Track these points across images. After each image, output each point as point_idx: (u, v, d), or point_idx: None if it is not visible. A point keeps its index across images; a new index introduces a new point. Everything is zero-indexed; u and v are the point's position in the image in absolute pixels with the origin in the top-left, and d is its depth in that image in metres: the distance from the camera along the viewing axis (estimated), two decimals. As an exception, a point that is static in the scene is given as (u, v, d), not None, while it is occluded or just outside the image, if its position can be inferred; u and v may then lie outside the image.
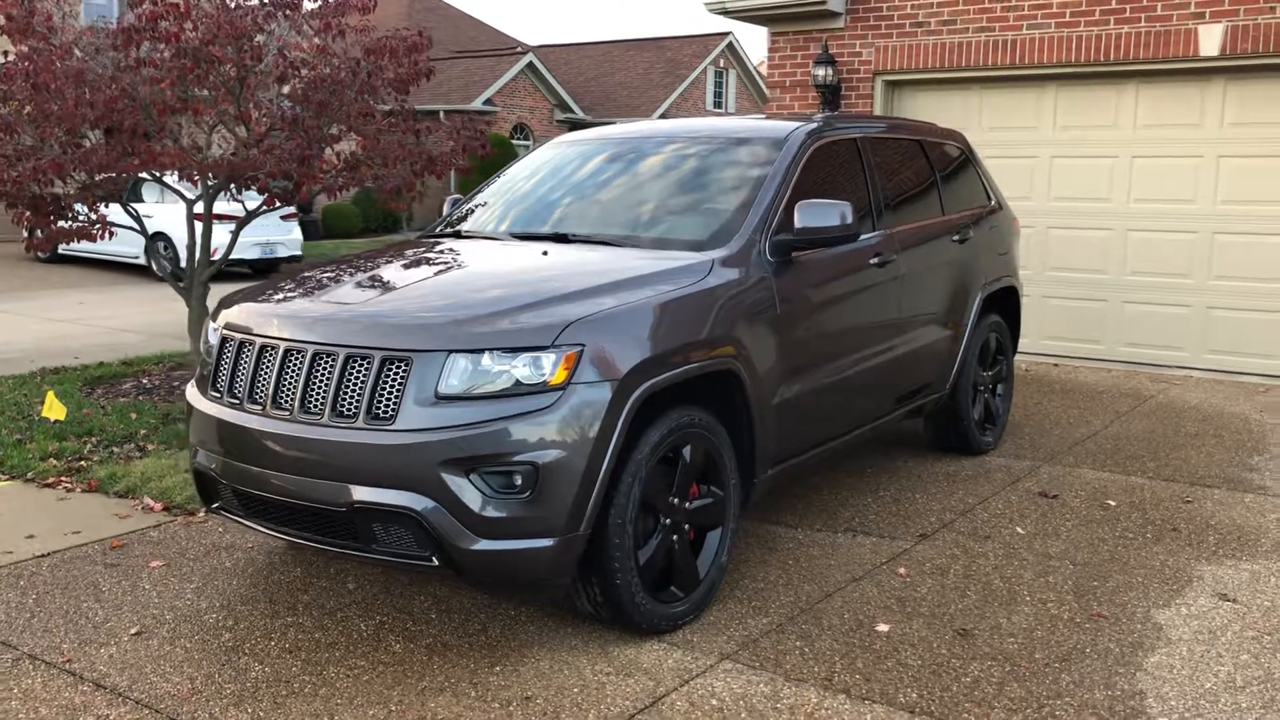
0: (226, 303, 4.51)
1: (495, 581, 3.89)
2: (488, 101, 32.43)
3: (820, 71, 10.36)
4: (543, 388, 3.65)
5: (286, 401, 3.89)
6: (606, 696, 3.62)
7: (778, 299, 4.60)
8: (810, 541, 5.10)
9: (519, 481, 3.63)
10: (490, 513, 3.62)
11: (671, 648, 3.99)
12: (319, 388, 3.83)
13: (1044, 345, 9.89)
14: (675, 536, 4.11)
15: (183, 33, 7.09)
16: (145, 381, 8.77)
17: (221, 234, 9.67)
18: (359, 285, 4.32)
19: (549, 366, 3.66)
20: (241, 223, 8.36)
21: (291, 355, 3.92)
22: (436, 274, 4.33)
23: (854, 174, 5.45)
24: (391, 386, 3.71)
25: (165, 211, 16.08)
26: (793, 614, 4.28)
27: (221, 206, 9.24)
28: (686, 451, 4.10)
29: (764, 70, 39.78)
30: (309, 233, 22.43)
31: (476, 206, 5.56)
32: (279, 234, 18.13)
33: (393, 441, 3.65)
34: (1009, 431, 7.07)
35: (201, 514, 5.52)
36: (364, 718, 3.50)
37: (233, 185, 7.88)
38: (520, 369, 3.67)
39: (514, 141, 32.09)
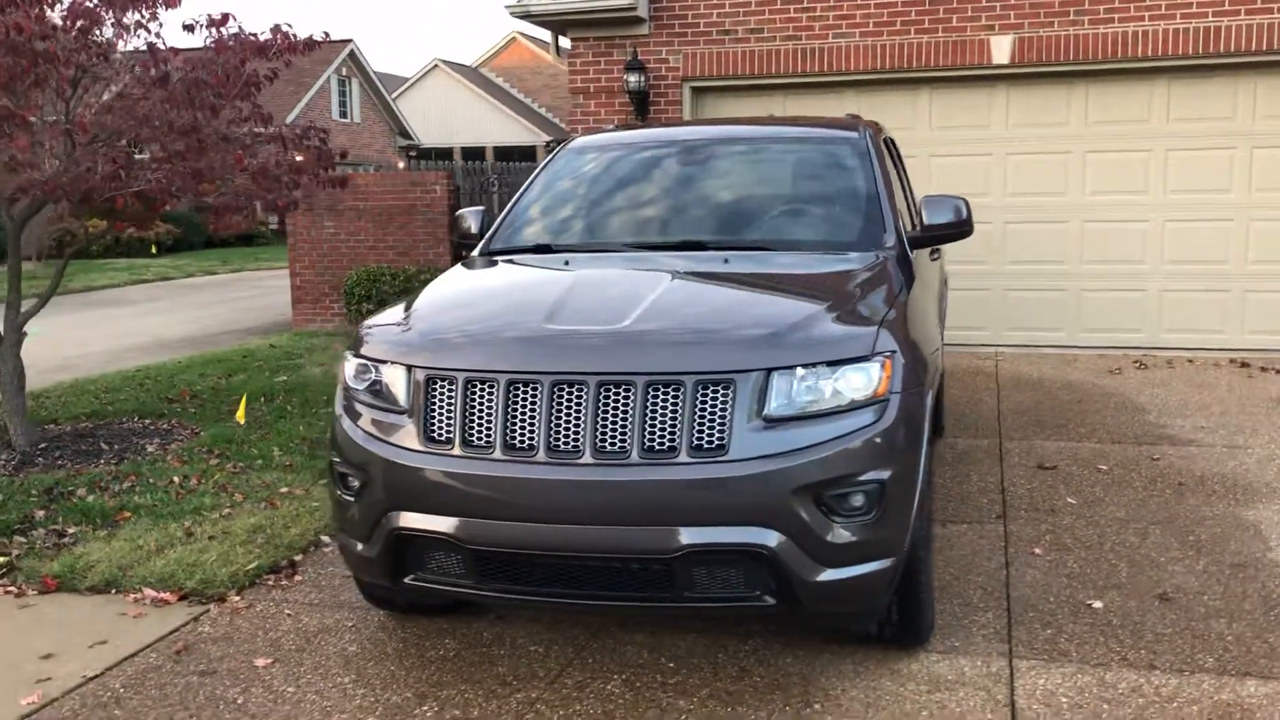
0: (383, 336, 3.81)
1: (828, 614, 3.59)
2: (96, 113, 29.07)
3: (632, 78, 10.36)
4: (871, 401, 3.44)
5: (565, 444, 3.36)
6: (965, 714, 3.48)
7: (923, 296, 4.62)
8: (913, 535, 5.15)
9: (860, 502, 3.39)
10: (839, 539, 3.36)
11: (944, 656, 3.90)
12: (614, 424, 3.34)
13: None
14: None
15: (36, 21, 5.79)
16: (-73, 454, 7.10)
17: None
18: (571, 306, 3.77)
19: (875, 377, 3.45)
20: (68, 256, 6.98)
21: (563, 389, 3.39)
22: (658, 290, 3.85)
23: (896, 171, 5.57)
24: (714, 413, 3.32)
25: None
26: (1003, 603, 4.33)
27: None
28: (920, 457, 4.02)
29: (380, 80, 37.98)
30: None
31: (526, 222, 5.03)
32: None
33: (733, 474, 3.28)
34: (933, 414, 7.49)
35: (235, 598, 4.62)
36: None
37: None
38: (844, 383, 3.43)
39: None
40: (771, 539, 3.28)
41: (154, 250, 25.66)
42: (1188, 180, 9.77)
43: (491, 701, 3.68)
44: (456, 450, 3.47)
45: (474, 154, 39.96)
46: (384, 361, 3.73)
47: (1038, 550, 4.92)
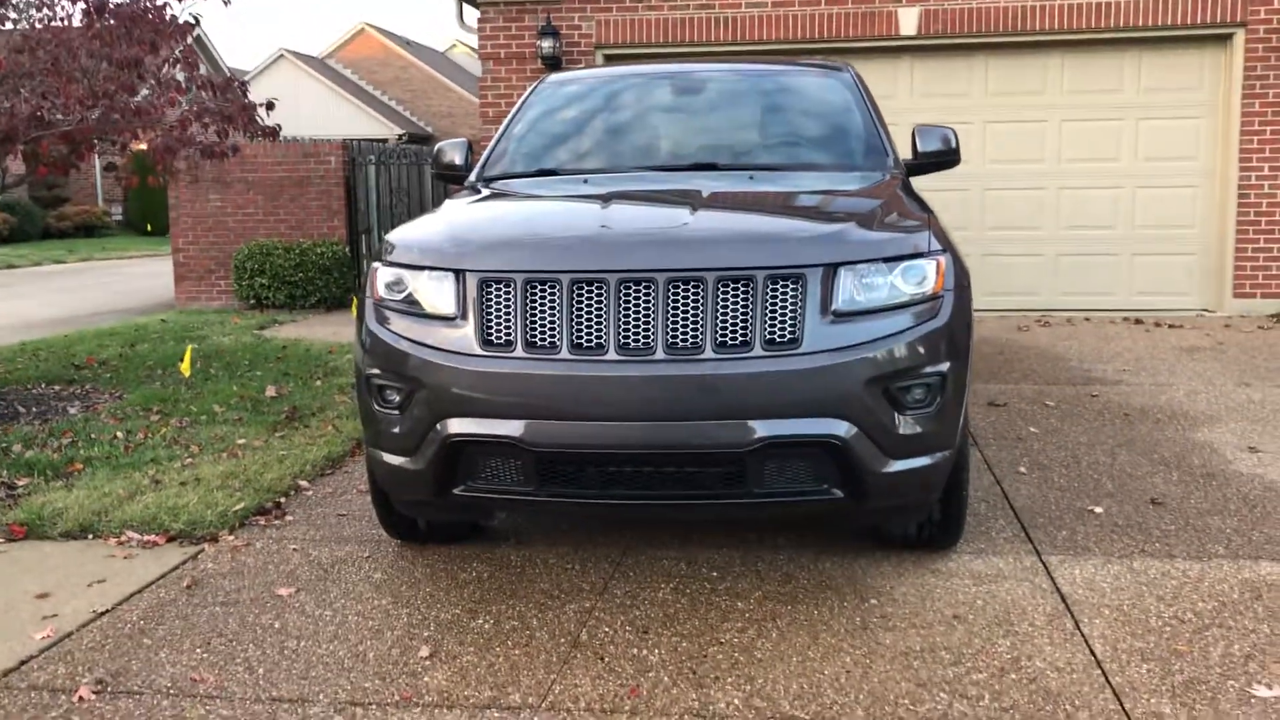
0: (419, 245, 3.69)
1: (887, 508, 3.62)
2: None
3: (545, 44, 10.28)
4: (928, 297, 3.51)
5: (636, 341, 3.32)
6: (1018, 600, 3.59)
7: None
8: (898, 462, 5.28)
9: (922, 395, 3.46)
10: (905, 430, 3.42)
11: (975, 556, 4.01)
12: (686, 319, 3.32)
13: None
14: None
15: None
16: None
17: None
18: (620, 212, 3.73)
19: (931, 275, 3.53)
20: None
21: (630, 287, 3.34)
22: (703, 199, 3.83)
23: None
24: (785, 307, 3.34)
25: None
26: (1009, 513, 4.47)
27: None
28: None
29: (227, 63, 36.40)
30: None
31: (522, 150, 4.92)
32: None
33: (807, 366, 3.30)
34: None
35: (229, 537, 4.40)
36: (837, 667, 3.17)
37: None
38: (903, 279, 3.49)
39: None
40: (844, 429, 3.32)
41: (-8, 238, 24.13)
42: (1080, 149, 10.30)
43: (546, 613, 3.60)
44: (519, 352, 3.39)
45: (326, 146, 38.90)
46: (425, 268, 3.61)
47: (1022, 469, 5.11)
